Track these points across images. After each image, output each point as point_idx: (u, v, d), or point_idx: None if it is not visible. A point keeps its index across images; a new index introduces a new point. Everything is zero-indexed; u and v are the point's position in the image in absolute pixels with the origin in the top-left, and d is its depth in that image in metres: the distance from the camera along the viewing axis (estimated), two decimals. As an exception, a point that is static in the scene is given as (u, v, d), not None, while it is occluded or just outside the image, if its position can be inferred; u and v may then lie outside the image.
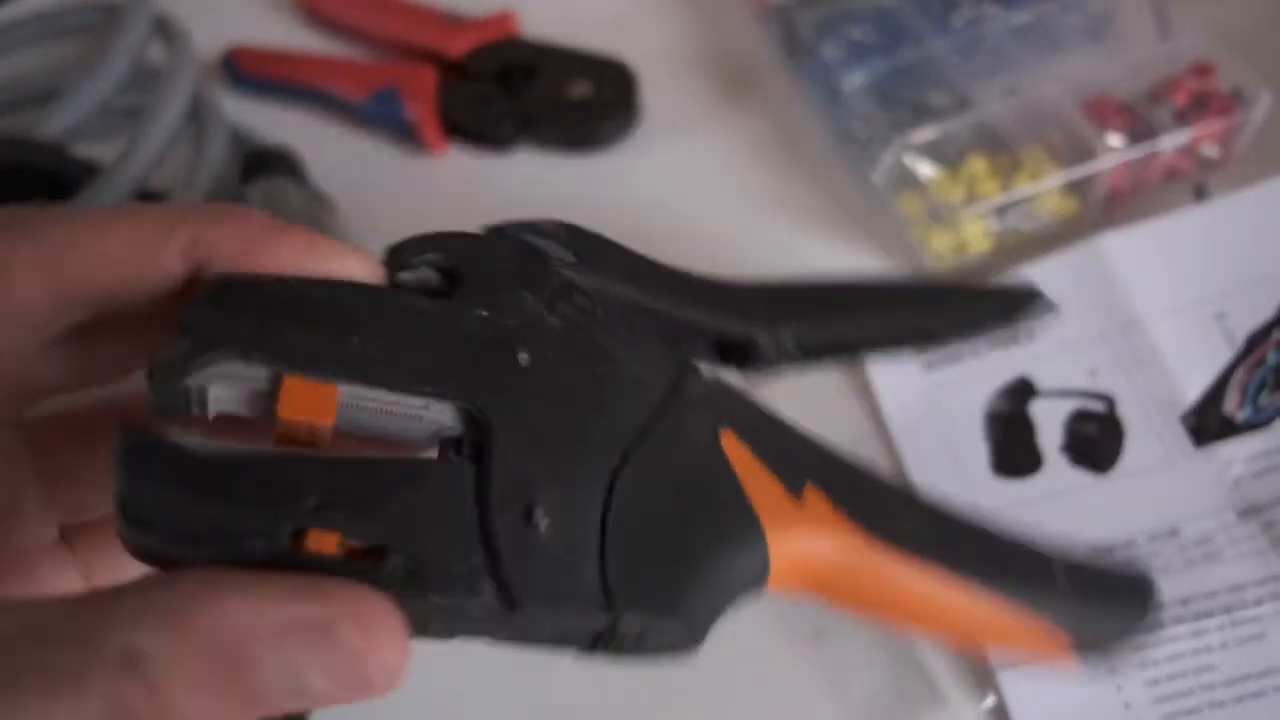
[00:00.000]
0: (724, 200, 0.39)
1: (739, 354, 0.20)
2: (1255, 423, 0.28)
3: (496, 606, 0.15)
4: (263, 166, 0.38)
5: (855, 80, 0.36)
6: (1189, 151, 0.33)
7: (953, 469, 0.29)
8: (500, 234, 0.19)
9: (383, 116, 0.43)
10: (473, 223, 0.43)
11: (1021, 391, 0.30)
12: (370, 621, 0.13)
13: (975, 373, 0.31)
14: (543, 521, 0.15)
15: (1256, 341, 0.29)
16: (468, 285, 0.18)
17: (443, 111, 0.42)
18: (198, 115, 0.40)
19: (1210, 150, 0.33)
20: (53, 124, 0.40)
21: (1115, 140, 0.32)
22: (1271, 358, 0.28)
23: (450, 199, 0.41)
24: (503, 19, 0.44)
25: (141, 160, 0.37)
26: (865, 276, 0.23)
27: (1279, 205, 0.30)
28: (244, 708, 0.12)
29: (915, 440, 0.30)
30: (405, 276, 0.18)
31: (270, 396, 0.15)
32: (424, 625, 0.15)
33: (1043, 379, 0.30)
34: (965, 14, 0.37)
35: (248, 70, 0.46)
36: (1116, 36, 0.37)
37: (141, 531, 0.14)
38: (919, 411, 0.31)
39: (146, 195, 0.39)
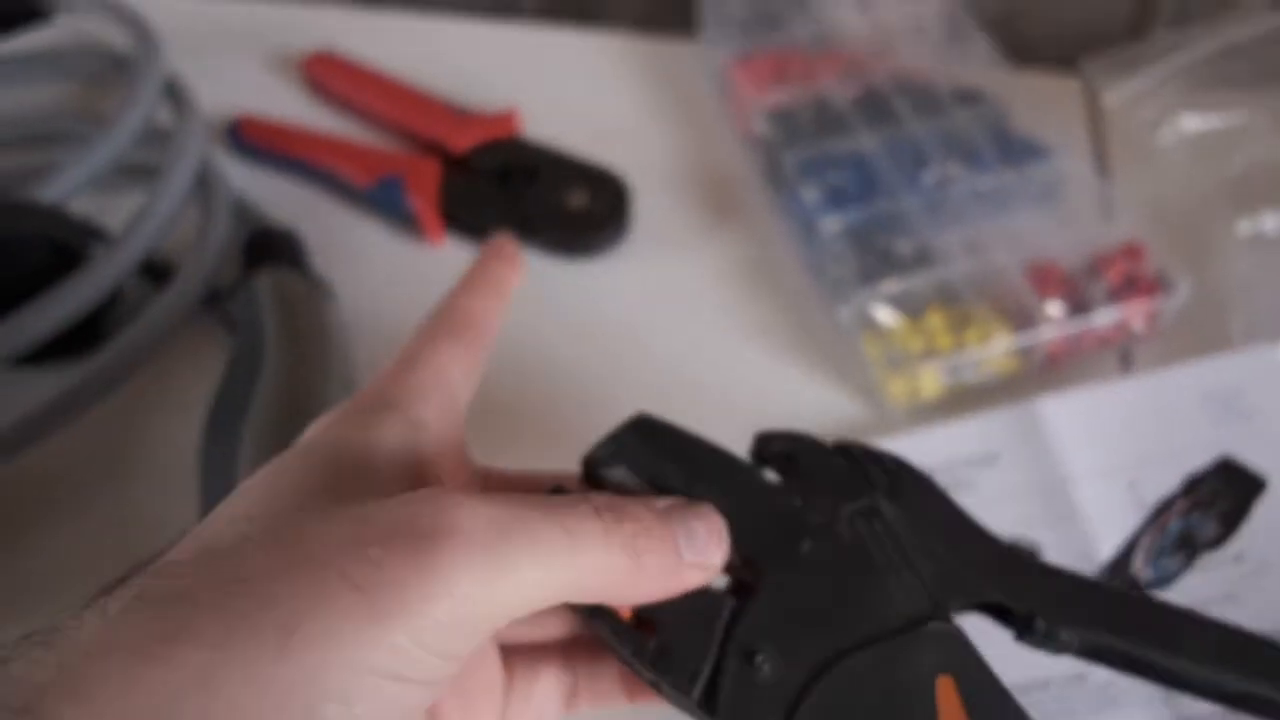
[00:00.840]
0: (702, 317, 0.42)
1: (1016, 622, 0.22)
2: (1157, 583, 0.32)
3: (700, 707, 0.19)
4: (268, 252, 0.40)
5: (831, 224, 0.40)
6: (1122, 324, 0.37)
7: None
8: (845, 451, 0.23)
9: (385, 203, 0.45)
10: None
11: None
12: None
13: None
14: (762, 666, 0.20)
15: (1162, 509, 0.33)
16: (799, 478, 0.23)
17: (444, 205, 0.44)
18: (204, 182, 0.42)
19: (1137, 325, 0.37)
20: (59, 186, 0.40)
21: (1055, 309, 0.36)
22: (1174, 525, 0.32)
23: (445, 290, 0.43)
24: (507, 118, 0.47)
25: (152, 228, 0.37)
26: (1182, 610, 0.21)
27: (1187, 389, 0.34)
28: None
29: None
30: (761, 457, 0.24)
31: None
32: (658, 688, 0.20)
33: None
34: (935, 173, 0.41)
35: (252, 140, 0.47)
36: (1063, 205, 0.41)
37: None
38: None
39: (149, 263, 0.40)
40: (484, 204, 0.44)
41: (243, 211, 0.44)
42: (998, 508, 0.34)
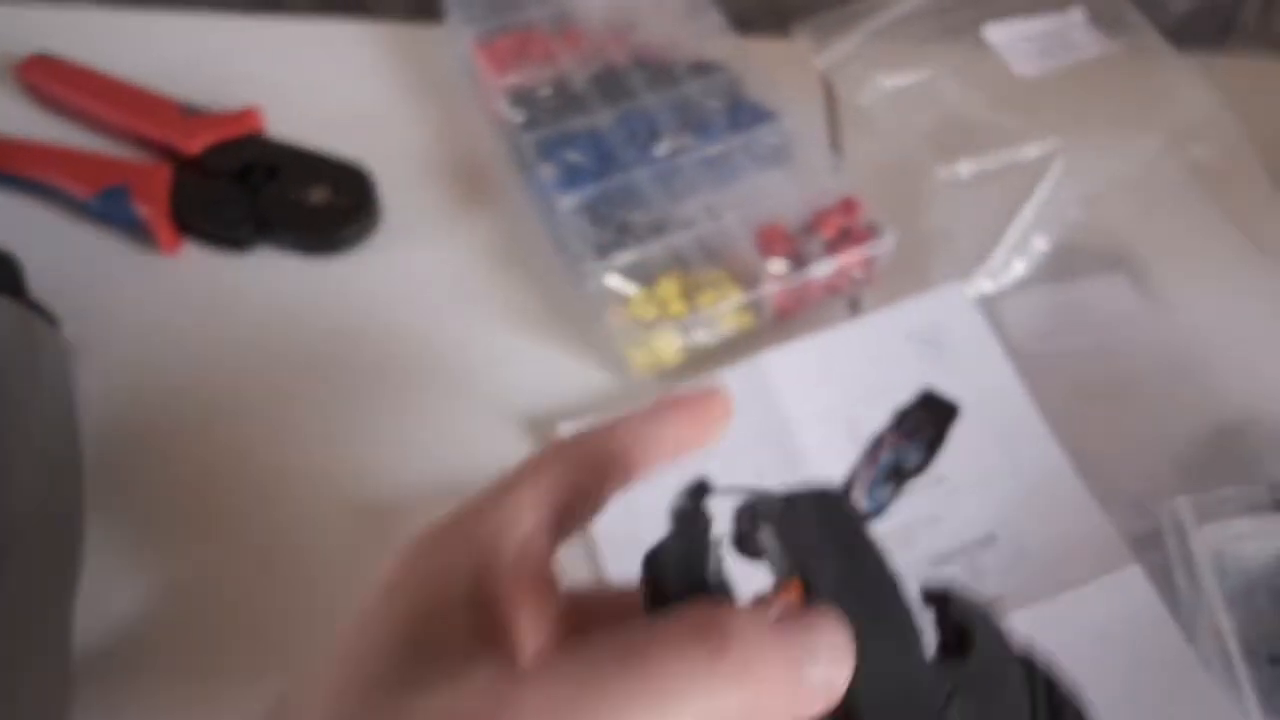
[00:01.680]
0: (458, 304, 0.42)
1: None
2: (873, 512, 0.34)
3: None
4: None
5: (569, 201, 0.40)
6: (841, 273, 0.39)
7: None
8: (1028, 664, 0.21)
9: (111, 214, 0.42)
10: (213, 328, 0.44)
11: (699, 490, 0.35)
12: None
13: (661, 474, 0.36)
14: None
15: (875, 444, 0.35)
16: (964, 660, 0.19)
17: (177, 211, 0.42)
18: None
19: (857, 273, 0.40)
20: None
21: (778, 266, 0.38)
22: (885, 458, 0.35)
23: (185, 301, 0.41)
24: (246, 115, 0.45)
25: None
26: None
27: (893, 329, 0.37)
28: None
29: (613, 540, 0.34)
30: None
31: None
32: None
33: (719, 478, 0.35)
34: (667, 145, 0.42)
35: (-40, 156, 0.44)
36: (796, 162, 0.43)
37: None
38: (615, 512, 0.35)
39: None
40: (221, 206, 0.42)
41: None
42: (734, 460, 0.36)
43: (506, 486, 0.21)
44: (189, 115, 0.45)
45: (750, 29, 0.48)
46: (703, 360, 0.39)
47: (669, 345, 0.38)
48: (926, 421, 0.35)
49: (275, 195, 0.43)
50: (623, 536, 0.34)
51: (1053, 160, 0.38)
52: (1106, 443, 0.35)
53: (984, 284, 0.38)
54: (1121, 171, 0.39)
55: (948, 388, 0.36)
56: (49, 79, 0.47)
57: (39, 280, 0.39)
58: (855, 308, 0.41)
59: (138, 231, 0.42)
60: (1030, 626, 0.31)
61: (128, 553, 0.34)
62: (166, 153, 0.44)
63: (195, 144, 0.44)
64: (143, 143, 0.45)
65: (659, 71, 0.45)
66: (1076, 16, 0.42)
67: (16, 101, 0.47)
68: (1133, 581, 0.30)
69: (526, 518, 0.20)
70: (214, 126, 0.45)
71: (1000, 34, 0.41)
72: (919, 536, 0.33)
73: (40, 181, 0.43)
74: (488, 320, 0.41)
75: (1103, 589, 0.30)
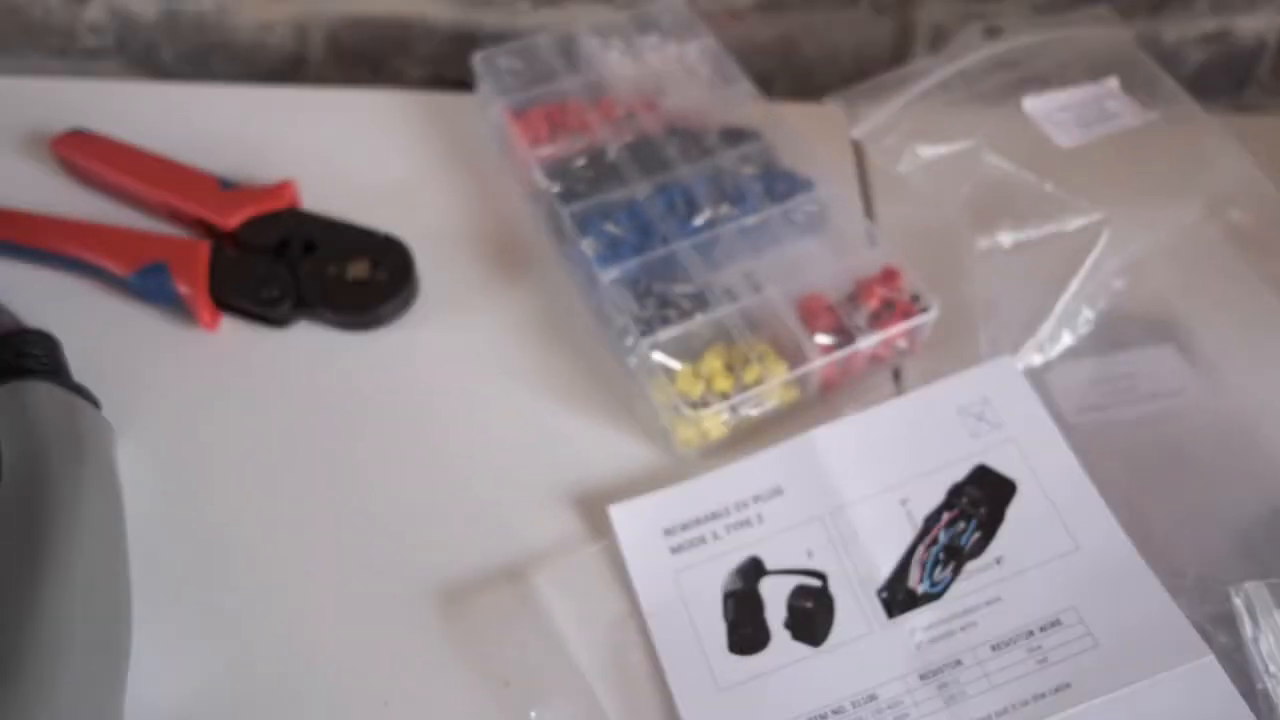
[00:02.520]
0: (500, 378, 0.41)
1: None
2: (932, 595, 0.34)
3: None
4: (13, 364, 0.37)
5: (611, 274, 0.40)
6: (887, 344, 0.39)
7: (697, 649, 0.33)
8: None
9: (151, 291, 0.42)
10: (254, 405, 0.43)
11: (752, 570, 0.35)
12: None
13: (715, 552, 0.35)
14: None
15: (931, 523, 0.35)
16: None
17: (215, 287, 0.42)
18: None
19: (901, 344, 0.39)
20: None
21: (824, 339, 0.38)
22: (942, 537, 0.34)
23: (225, 379, 0.41)
24: (282, 189, 0.45)
25: None
26: None
27: (943, 404, 0.37)
28: None
29: (665, 622, 0.34)
30: None
31: None
32: None
33: (770, 559, 0.35)
34: (705, 215, 0.42)
35: (-3, 233, 0.44)
36: (832, 230, 0.43)
37: None
38: (668, 594, 0.34)
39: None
40: (259, 282, 0.42)
41: (-12, 311, 0.40)
42: (786, 539, 0.35)
43: None
44: (225, 189, 0.45)
45: (808, 90, 0.48)
46: (748, 435, 0.38)
47: (716, 421, 0.37)
48: (982, 499, 0.35)
49: (313, 270, 0.43)
50: (677, 615, 0.34)
51: (1099, 230, 0.38)
52: (1164, 519, 0.34)
53: (1033, 357, 0.38)
54: (1163, 239, 0.39)
55: (1002, 464, 0.35)
56: (85, 154, 0.47)
57: (78, 360, 0.39)
58: (899, 378, 0.41)
59: (177, 308, 0.42)
60: (1104, 718, 0.30)
61: (173, 640, 0.34)
62: (204, 227, 0.44)
63: (233, 219, 0.44)
64: (179, 217, 0.45)
65: (692, 139, 0.45)
66: (1112, 85, 0.42)
67: (53, 177, 0.47)
68: (1208, 672, 0.30)
69: None
70: (251, 201, 0.45)
71: (1038, 106, 0.41)
72: (979, 619, 0.33)
73: (78, 259, 0.43)
74: (531, 395, 0.41)
75: (1177, 679, 0.30)
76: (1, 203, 0.44)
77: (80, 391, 0.37)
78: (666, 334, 0.38)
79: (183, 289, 0.42)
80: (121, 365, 0.40)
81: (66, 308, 0.42)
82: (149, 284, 0.42)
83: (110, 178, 0.46)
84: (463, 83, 0.50)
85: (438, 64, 0.55)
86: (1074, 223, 0.38)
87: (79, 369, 0.39)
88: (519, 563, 0.36)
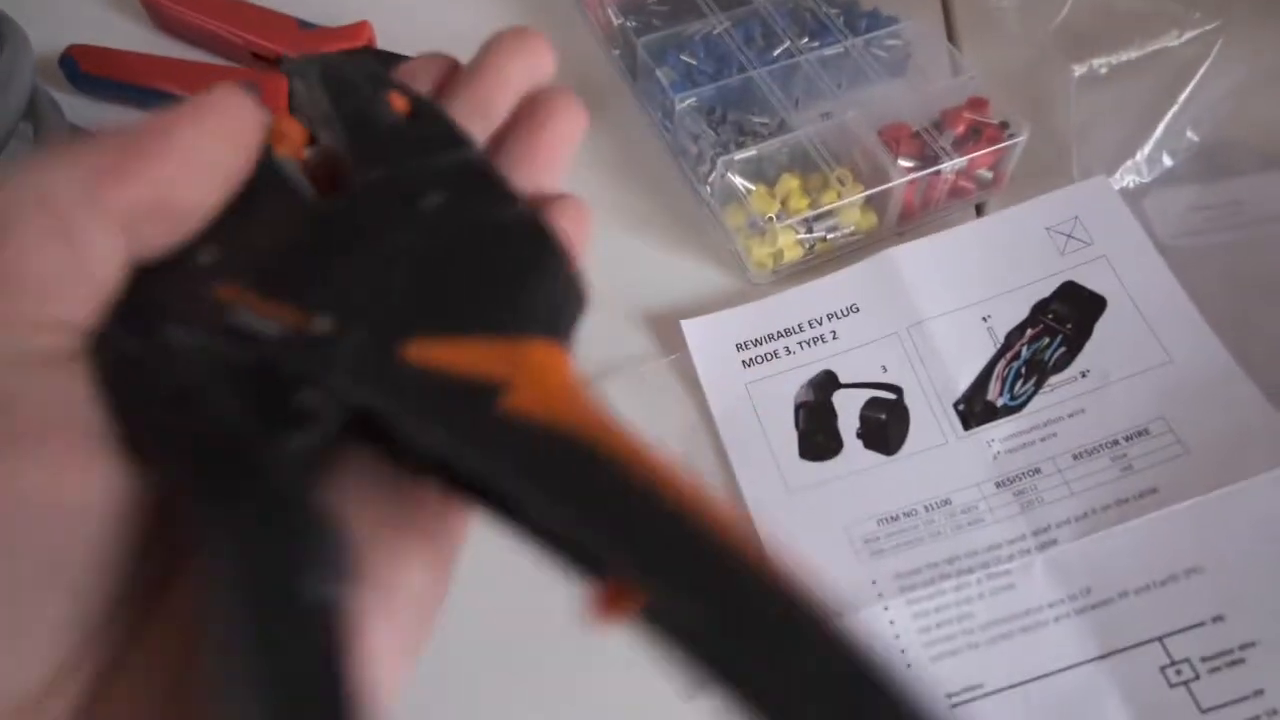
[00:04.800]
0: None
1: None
2: (1011, 408, 0.33)
3: None
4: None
5: (686, 102, 0.40)
6: (968, 174, 0.38)
7: (767, 454, 0.33)
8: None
9: (235, 122, 0.43)
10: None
11: (826, 383, 0.34)
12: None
13: (787, 367, 0.35)
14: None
15: (1013, 339, 0.34)
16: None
17: (297, 118, 0.43)
18: (35, 112, 0.40)
19: (985, 173, 0.38)
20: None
21: (906, 163, 0.37)
22: (1024, 353, 0.33)
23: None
24: (359, 28, 0.45)
25: None
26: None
27: (1029, 224, 0.35)
28: None
29: (736, 430, 0.34)
30: None
31: None
32: None
33: (844, 373, 0.34)
34: (784, 46, 0.41)
35: (87, 70, 0.45)
36: (914, 70, 0.42)
37: None
38: (740, 404, 0.34)
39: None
40: (338, 115, 0.43)
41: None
42: (861, 354, 0.34)
43: None
44: (304, 30, 0.46)
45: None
46: (824, 262, 0.37)
47: (791, 241, 0.37)
48: (1069, 315, 0.34)
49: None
50: (748, 425, 0.33)
51: (1210, 43, 0.36)
52: (1263, 341, 0.32)
53: (1129, 178, 0.36)
54: (1277, 61, 0.37)
55: (1091, 280, 0.34)
56: (173, 0, 0.48)
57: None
58: (980, 211, 0.39)
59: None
60: (1192, 519, 0.29)
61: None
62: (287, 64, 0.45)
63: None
64: (262, 58, 0.46)
65: (774, -22, 0.44)
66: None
67: (140, 24, 0.48)
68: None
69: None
70: (329, 40, 0.45)
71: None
72: (1060, 430, 0.32)
73: (167, 92, 0.44)
74: (605, 224, 0.40)
75: (1275, 481, 0.28)
76: (93, 45, 0.46)
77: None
78: (743, 155, 0.37)
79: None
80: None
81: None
82: (233, 114, 0.43)
83: (196, 22, 0.47)
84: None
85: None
86: (1180, 40, 0.36)
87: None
88: (593, 374, 0.36)
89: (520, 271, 0.17)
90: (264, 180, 0.17)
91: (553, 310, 0.17)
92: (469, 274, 0.17)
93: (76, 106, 0.43)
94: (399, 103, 0.20)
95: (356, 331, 0.15)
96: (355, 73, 0.20)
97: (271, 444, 0.14)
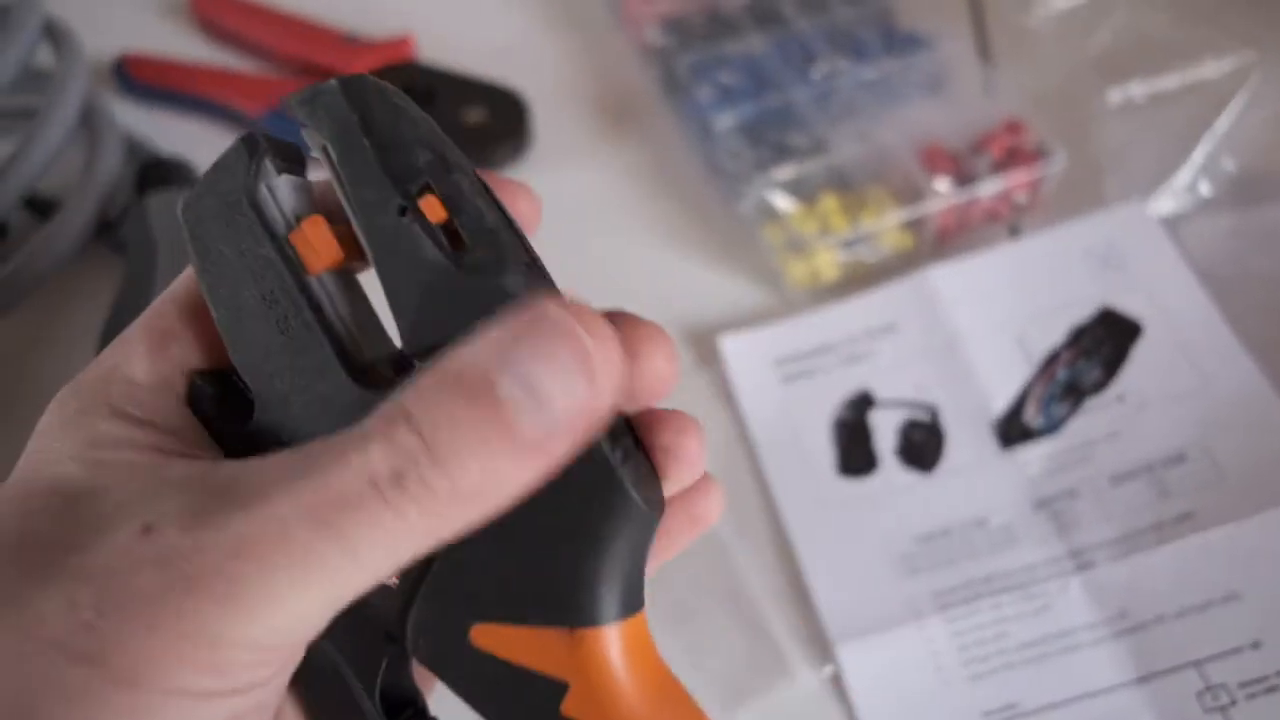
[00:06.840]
0: (613, 222, 0.42)
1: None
2: (1048, 429, 0.33)
3: None
4: (159, 178, 0.39)
5: (725, 121, 0.40)
6: (1004, 197, 0.38)
7: (804, 470, 0.33)
8: None
9: (280, 131, 0.44)
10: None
11: (862, 403, 0.35)
12: (585, 321, 0.15)
13: (824, 386, 0.35)
14: None
15: (1050, 360, 0.34)
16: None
17: (341, 130, 0.43)
18: (89, 120, 0.41)
19: (1021, 196, 0.38)
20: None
21: (943, 185, 0.37)
22: (1061, 375, 0.34)
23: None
24: (401, 42, 0.46)
25: (32, 163, 0.36)
26: None
27: (1068, 247, 0.36)
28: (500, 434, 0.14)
29: (773, 446, 0.34)
30: None
31: None
32: None
33: (880, 392, 0.35)
34: (822, 67, 0.41)
35: (139, 78, 0.46)
36: (950, 91, 0.42)
37: None
38: (776, 420, 0.34)
39: (36, 200, 0.39)
40: (382, 127, 0.44)
41: (133, 147, 0.43)
42: (897, 373, 0.35)
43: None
44: (350, 43, 0.47)
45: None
46: (861, 278, 0.38)
47: (829, 260, 0.37)
48: (1106, 339, 0.34)
49: (433, 116, 0.44)
50: (785, 440, 0.34)
51: (1247, 73, 0.36)
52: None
53: (1165, 204, 0.36)
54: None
55: (1128, 306, 0.34)
56: (220, 11, 0.49)
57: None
58: (1015, 233, 0.40)
59: (304, 147, 0.44)
60: (1229, 545, 0.29)
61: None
62: (328, 77, 0.46)
63: (357, 69, 0.45)
64: (307, 69, 0.47)
65: None
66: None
67: (190, 34, 0.49)
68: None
69: (134, 351, 0.19)
70: (373, 53, 0.46)
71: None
72: (1097, 453, 0.32)
73: (213, 100, 0.45)
74: (641, 239, 0.41)
75: (1312, 506, 0.29)
76: (144, 53, 0.47)
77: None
78: (782, 174, 0.38)
79: (311, 129, 0.43)
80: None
81: (200, 145, 0.44)
82: (278, 125, 0.44)
83: (245, 33, 0.48)
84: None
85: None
86: (1217, 68, 0.37)
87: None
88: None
89: (589, 538, 0.16)
90: None
91: (622, 576, 0.17)
92: (536, 543, 0.16)
93: (125, 115, 0.45)
94: (437, 210, 0.17)
95: (434, 602, 0.16)
96: (380, 162, 0.17)
97: None
